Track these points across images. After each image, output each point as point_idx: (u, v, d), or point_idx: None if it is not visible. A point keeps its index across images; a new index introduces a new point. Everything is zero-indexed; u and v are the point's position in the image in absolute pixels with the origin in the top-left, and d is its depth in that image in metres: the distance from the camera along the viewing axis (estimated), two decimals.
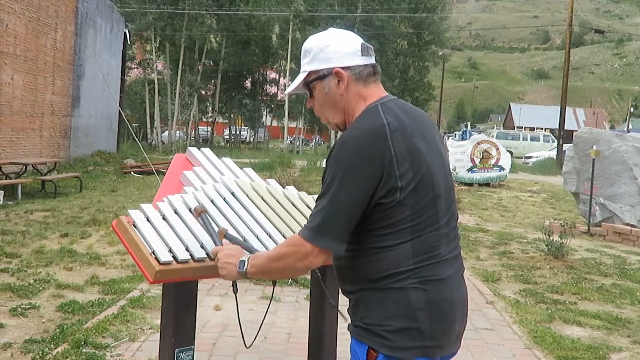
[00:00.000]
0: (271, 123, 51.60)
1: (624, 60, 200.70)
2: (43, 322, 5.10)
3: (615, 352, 5.08)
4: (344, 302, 2.28)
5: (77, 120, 19.59)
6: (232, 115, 47.43)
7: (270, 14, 41.44)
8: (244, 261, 2.05)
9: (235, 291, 2.20)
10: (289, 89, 2.20)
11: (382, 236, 1.90)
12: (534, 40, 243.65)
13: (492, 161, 20.94)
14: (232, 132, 48.08)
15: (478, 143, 20.91)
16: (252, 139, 51.12)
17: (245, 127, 51.25)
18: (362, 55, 2.05)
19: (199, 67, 38.89)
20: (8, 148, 15.32)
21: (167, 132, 38.43)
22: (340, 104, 2.07)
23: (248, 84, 46.63)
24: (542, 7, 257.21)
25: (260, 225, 2.53)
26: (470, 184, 20.28)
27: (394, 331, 1.89)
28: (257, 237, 2.46)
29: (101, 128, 21.86)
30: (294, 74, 42.67)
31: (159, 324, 5.05)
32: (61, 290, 6.00)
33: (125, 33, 24.05)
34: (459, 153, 20.93)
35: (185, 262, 2.18)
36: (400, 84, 43.79)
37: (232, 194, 2.64)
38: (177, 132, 37.79)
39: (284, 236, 2.53)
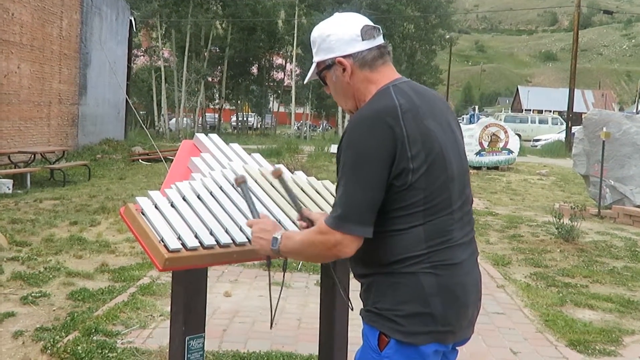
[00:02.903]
0: (278, 109, 51.50)
1: (633, 41, 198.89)
2: (54, 310, 5.11)
3: (627, 335, 5.05)
4: (354, 287, 2.26)
5: (84, 109, 19.59)
6: (239, 102, 47.37)
7: None
8: (277, 239, 2.01)
9: (267, 267, 2.16)
10: (306, 79, 2.20)
11: (394, 219, 1.88)
12: (541, 22, 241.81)
13: (501, 144, 20.84)
14: (239, 119, 48.03)
15: (486, 126, 20.81)
16: (259, 125, 51.07)
17: (252, 114, 51.18)
18: (363, 40, 2.00)
19: (205, 54, 38.79)
20: (16, 137, 15.35)
21: (174, 120, 38.45)
22: (349, 91, 2.04)
23: (254, 70, 46.52)
24: None
25: (271, 212, 2.50)
26: (478, 168, 20.20)
27: (406, 316, 1.87)
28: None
29: (109, 116, 21.86)
30: (300, 59, 42.62)
31: (169, 310, 5.07)
32: (71, 278, 6.01)
33: (130, 20, 23.98)
34: (467, 137, 20.77)
35: (195, 249, 2.16)
36: (408, 68, 43.55)
37: None
38: (185, 119, 37.77)
39: (294, 223, 2.50)
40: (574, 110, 32.43)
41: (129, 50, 24.32)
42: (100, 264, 6.58)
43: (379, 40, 2.04)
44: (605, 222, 10.78)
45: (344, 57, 2.00)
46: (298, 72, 42.10)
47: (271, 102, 51.10)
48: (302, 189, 2.75)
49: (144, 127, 16.28)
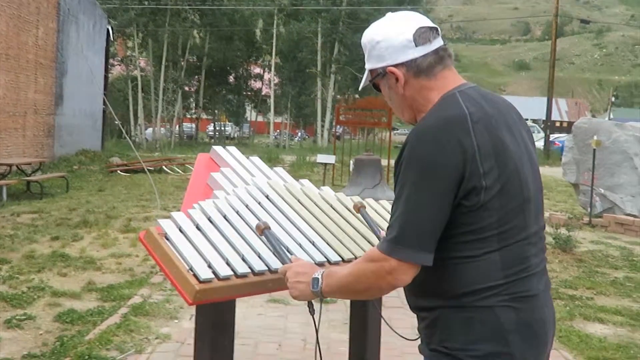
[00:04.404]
0: (256, 118, 51.14)
1: (604, 50, 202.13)
2: (41, 334, 4.78)
3: None
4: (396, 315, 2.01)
5: (60, 119, 19.13)
6: (216, 111, 46.96)
7: (254, 8, 41.01)
8: (318, 279, 1.77)
9: (312, 312, 1.90)
10: (360, 85, 1.97)
11: (464, 244, 1.64)
12: (514, 32, 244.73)
13: None
14: (217, 128, 47.59)
15: None
16: (236, 135, 50.66)
17: (229, 123, 50.77)
18: (416, 46, 1.75)
19: (183, 63, 38.40)
20: None
21: (150, 130, 37.94)
22: (404, 102, 1.81)
23: (232, 79, 46.15)
24: None
25: (302, 231, 2.26)
26: None
27: (481, 357, 1.63)
28: (300, 246, 2.18)
29: (85, 126, 21.40)
30: (278, 68, 42.41)
31: (165, 332, 4.77)
32: (57, 299, 5.67)
33: (107, 29, 23.57)
34: None
35: (227, 278, 1.90)
36: None
37: (267, 197, 2.36)
38: (161, 129, 37.29)
39: (327, 244, 2.26)
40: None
41: (106, 60, 23.89)
42: (87, 282, 6.24)
43: (437, 43, 1.78)
44: (597, 230, 10.67)
45: (396, 66, 1.76)
46: (276, 81, 41.91)
47: (248, 112, 50.77)
48: (331, 206, 2.51)
49: (128, 137, 15.84)
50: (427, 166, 1.59)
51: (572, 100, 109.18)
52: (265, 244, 2.07)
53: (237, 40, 41.77)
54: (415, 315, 1.82)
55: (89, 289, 6.01)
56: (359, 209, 2.45)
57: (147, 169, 15.29)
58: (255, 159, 2.69)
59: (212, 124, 48.90)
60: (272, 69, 41.25)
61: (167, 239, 1.95)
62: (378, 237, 2.28)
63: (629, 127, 11.45)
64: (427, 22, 1.79)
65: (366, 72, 1.88)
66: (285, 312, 5.44)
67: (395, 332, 2.24)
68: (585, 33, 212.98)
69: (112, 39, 25.86)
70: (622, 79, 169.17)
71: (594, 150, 10.83)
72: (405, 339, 2.24)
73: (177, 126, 40.70)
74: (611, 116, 74.92)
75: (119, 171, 18.29)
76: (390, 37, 1.76)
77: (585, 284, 6.87)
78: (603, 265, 7.90)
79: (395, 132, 37.95)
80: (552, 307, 1.79)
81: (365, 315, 2.62)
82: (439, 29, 1.80)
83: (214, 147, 2.64)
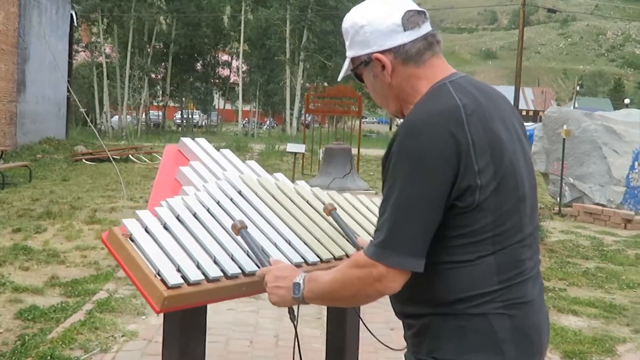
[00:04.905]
0: (224, 106, 50.65)
1: (569, 40, 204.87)
2: (0, 333, 4.56)
3: (620, 343, 4.84)
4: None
5: (23, 106, 18.61)
6: (183, 99, 46.39)
7: None
8: (299, 284, 1.62)
9: (292, 319, 1.75)
10: (340, 76, 1.82)
11: (456, 248, 1.51)
12: (481, 21, 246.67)
13: None
14: (184, 116, 47.04)
15: None
16: (204, 123, 50.14)
17: (197, 111, 50.20)
18: (405, 30, 1.60)
19: (149, 50, 37.79)
20: None
21: (116, 117, 37.31)
22: (391, 92, 1.66)
23: (199, 66, 45.58)
24: None
25: (277, 230, 2.12)
26: None
27: None
28: (276, 246, 2.04)
29: (49, 114, 20.87)
30: (247, 56, 42.00)
31: (132, 330, 4.60)
32: (18, 294, 5.44)
33: (71, 14, 22.99)
34: None
35: (198, 283, 1.75)
36: None
37: (240, 192, 2.21)
38: (127, 117, 36.68)
39: (305, 243, 2.12)
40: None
41: (70, 46, 23.32)
42: (50, 276, 6.02)
43: (426, 27, 1.63)
44: (567, 220, 10.73)
45: (383, 52, 1.61)
46: (245, 68, 41.54)
47: (216, 100, 50.27)
48: (308, 202, 2.37)
49: (92, 125, 15.47)
50: (418, 162, 1.46)
51: (538, 89, 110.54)
52: (240, 245, 1.93)
53: (204, 26, 41.23)
54: (391, 311, 1.69)
55: (52, 284, 5.79)
56: (330, 211, 2.24)
57: (113, 158, 14.97)
58: (227, 152, 2.54)
59: (180, 112, 48.31)
60: (241, 56, 40.85)
61: (132, 241, 1.79)
62: (355, 245, 2.13)
63: (598, 117, 11.50)
64: (414, 6, 1.65)
65: (347, 61, 1.71)
66: (256, 307, 5.30)
67: (383, 344, 2.13)
68: (550, 22, 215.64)
69: (76, 25, 25.26)
70: (586, 68, 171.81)
71: (564, 139, 10.85)
72: (392, 349, 2.12)
73: (144, 114, 40.08)
74: (576, 105, 75.97)
75: (84, 160, 17.90)
76: (376, 21, 1.61)
77: (557, 275, 6.86)
78: (574, 256, 7.91)
79: (364, 120, 37.88)
80: (546, 311, 1.68)
81: (343, 311, 2.49)
82: (427, 13, 1.66)
83: (183, 138, 2.48)
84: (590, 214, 10.77)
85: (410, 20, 1.61)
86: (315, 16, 37.30)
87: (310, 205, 2.35)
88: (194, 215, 1.99)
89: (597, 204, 10.95)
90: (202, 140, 2.51)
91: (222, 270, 1.83)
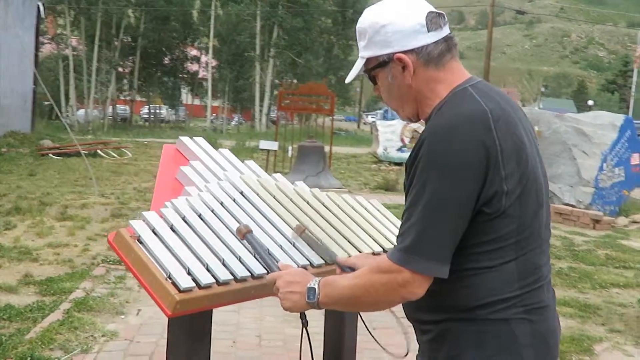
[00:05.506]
0: (192, 102, 50.22)
1: (534, 41, 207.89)
2: None
3: (597, 342, 4.92)
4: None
5: None
6: (150, 94, 45.87)
7: None
8: (314, 289, 1.60)
9: (304, 324, 1.72)
10: (348, 78, 1.75)
11: (481, 254, 1.50)
12: (449, 21, 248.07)
13: None
14: (151, 111, 46.51)
15: (407, 123, 20.84)
16: (172, 118, 49.65)
17: (165, 106, 49.68)
18: (428, 31, 1.59)
19: (117, 44, 37.26)
20: None
21: (82, 111, 36.72)
22: (409, 94, 1.63)
23: (167, 61, 45.11)
24: None
25: (281, 232, 2.09)
26: (400, 164, 20.23)
27: None
28: (281, 248, 2.02)
29: (14, 107, 20.44)
30: (216, 51, 41.67)
31: (112, 329, 4.52)
32: None
33: (38, 6, 22.54)
34: (389, 133, 20.90)
35: (209, 286, 1.72)
36: (325, 62, 43.38)
37: (242, 193, 2.18)
38: (94, 110, 36.14)
39: (308, 244, 2.10)
40: None
41: (37, 38, 22.87)
42: (23, 274, 5.88)
43: (446, 30, 1.63)
44: None
45: (405, 52, 1.59)
46: (214, 64, 41.22)
47: (184, 95, 49.81)
48: (308, 202, 2.35)
49: (61, 118, 15.19)
50: (448, 168, 1.44)
51: (504, 89, 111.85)
52: (246, 248, 1.90)
53: (173, 21, 40.88)
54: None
55: (26, 282, 5.66)
56: (302, 232, 2.08)
57: (82, 153, 14.72)
58: (225, 151, 2.50)
59: (147, 107, 47.77)
60: (210, 51, 40.52)
61: (141, 243, 1.75)
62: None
63: (569, 118, 11.68)
64: (432, 7, 1.64)
65: (359, 62, 1.68)
66: (237, 307, 5.24)
67: (385, 350, 2.12)
68: (516, 24, 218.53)
69: (42, 16, 24.77)
70: (550, 69, 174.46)
71: None
72: (395, 356, 2.11)
73: (111, 108, 39.54)
74: (540, 106, 77.16)
75: (50, 155, 17.57)
76: (399, 21, 1.59)
77: None
78: None
79: (331, 118, 38.00)
80: (559, 317, 1.70)
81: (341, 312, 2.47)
82: (445, 16, 1.66)
83: (181, 137, 2.43)
84: (560, 214, 10.92)
85: (433, 21, 1.60)
86: (286, 13, 37.20)
87: (310, 206, 2.33)
88: (199, 216, 1.95)
89: (567, 204, 11.12)
90: (200, 139, 2.47)
91: (232, 273, 1.80)
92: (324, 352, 2.58)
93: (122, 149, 19.63)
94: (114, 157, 18.44)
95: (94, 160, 16.64)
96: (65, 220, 8.40)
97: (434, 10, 1.62)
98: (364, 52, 1.67)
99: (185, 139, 2.43)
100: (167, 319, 4.71)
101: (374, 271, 1.53)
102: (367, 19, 1.65)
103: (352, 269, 1.82)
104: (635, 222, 11.08)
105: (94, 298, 5.20)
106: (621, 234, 10.01)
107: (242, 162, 2.48)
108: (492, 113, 1.50)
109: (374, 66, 1.65)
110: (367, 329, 2.18)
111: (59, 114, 15.91)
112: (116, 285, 5.63)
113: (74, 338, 4.33)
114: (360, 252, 2.21)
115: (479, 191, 1.46)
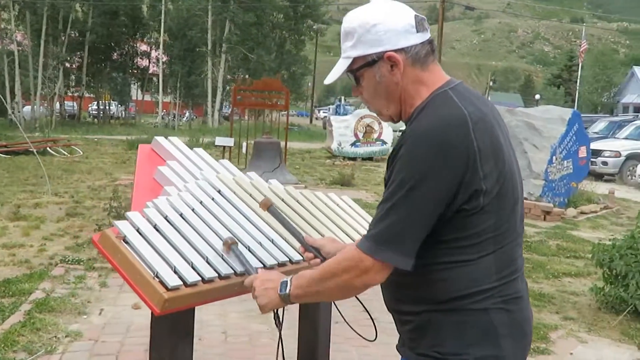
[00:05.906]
0: (142, 97, 49.46)
1: (482, 36, 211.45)
2: None
3: (552, 330, 5.10)
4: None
5: None
6: (99, 90, 45.01)
7: None
8: (286, 282, 1.69)
9: (278, 324, 1.78)
10: (328, 79, 1.77)
11: (461, 249, 1.58)
12: None
13: (375, 135, 21.20)
14: (100, 107, 45.63)
15: (361, 118, 21.04)
16: (121, 115, 48.82)
17: (114, 102, 48.79)
18: (417, 32, 1.66)
19: (64, 39, 36.40)
20: None
21: (28, 108, 35.80)
22: (395, 94, 1.69)
23: (117, 56, 44.30)
24: None
25: (259, 229, 2.14)
26: (354, 159, 20.44)
27: None
28: (261, 245, 2.06)
29: None
30: (167, 47, 41.15)
31: (75, 330, 4.48)
32: None
33: None
34: (343, 128, 21.05)
35: (195, 284, 1.75)
36: (277, 57, 43.27)
37: (219, 192, 2.22)
38: (40, 107, 35.28)
39: (286, 240, 2.15)
40: None
41: None
42: None
43: (429, 34, 1.71)
44: None
45: (395, 51, 1.65)
46: (165, 59, 40.74)
47: (134, 90, 49.01)
48: (282, 200, 2.40)
49: (13, 115, 14.81)
50: (427, 168, 1.52)
51: None
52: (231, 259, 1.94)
53: (122, 15, 40.15)
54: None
55: None
56: (268, 207, 2.09)
57: (30, 151, 14.40)
58: (200, 151, 2.53)
59: (96, 103, 46.84)
60: (161, 46, 40.01)
61: (127, 243, 1.77)
62: (300, 240, 2.01)
63: (519, 113, 11.98)
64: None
65: (343, 62, 1.72)
66: None
67: (357, 333, 2.18)
68: (465, 19, 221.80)
69: None
70: (498, 64, 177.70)
71: None
72: (366, 339, 2.18)
73: (59, 104, 38.66)
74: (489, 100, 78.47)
75: None
76: (390, 20, 1.65)
77: None
78: None
79: (284, 113, 37.98)
80: (531, 307, 1.79)
81: (315, 310, 2.53)
82: (425, 19, 1.73)
83: (157, 137, 2.45)
84: None
85: (420, 23, 1.67)
86: (238, 8, 36.97)
87: (286, 204, 2.38)
88: (181, 215, 1.98)
89: None
90: (175, 139, 2.49)
91: (216, 271, 1.83)
92: (298, 349, 2.64)
93: (73, 147, 19.28)
94: (64, 155, 18.09)
95: (45, 159, 16.25)
96: (18, 220, 8.24)
97: (418, 14, 1.69)
98: (351, 51, 1.70)
99: (160, 139, 2.45)
100: (131, 318, 4.70)
101: (339, 259, 1.61)
102: (356, 19, 1.69)
103: (318, 250, 1.93)
104: (583, 213, 11.45)
105: (54, 298, 5.14)
106: (571, 224, 10.33)
107: (218, 161, 2.51)
108: (471, 116, 1.57)
109: (361, 65, 1.69)
110: (342, 315, 2.25)
111: (10, 111, 15.49)
112: (76, 285, 5.57)
113: (37, 339, 4.29)
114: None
115: (454, 191, 1.53)
